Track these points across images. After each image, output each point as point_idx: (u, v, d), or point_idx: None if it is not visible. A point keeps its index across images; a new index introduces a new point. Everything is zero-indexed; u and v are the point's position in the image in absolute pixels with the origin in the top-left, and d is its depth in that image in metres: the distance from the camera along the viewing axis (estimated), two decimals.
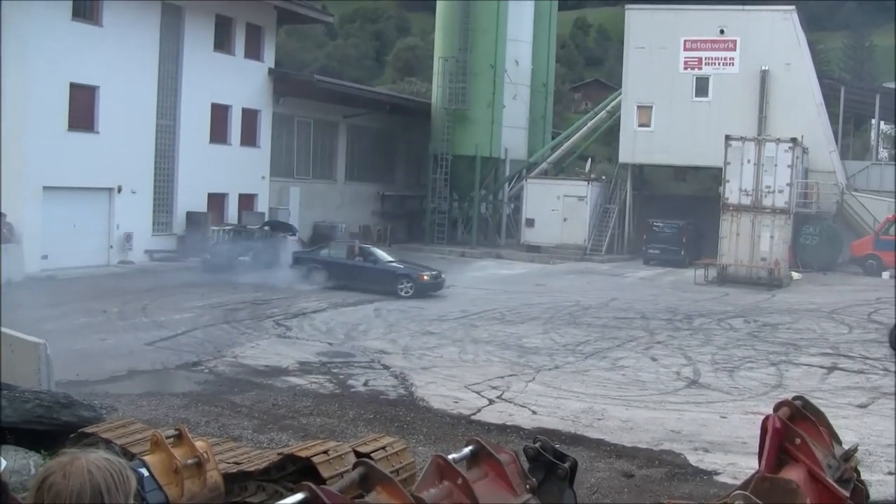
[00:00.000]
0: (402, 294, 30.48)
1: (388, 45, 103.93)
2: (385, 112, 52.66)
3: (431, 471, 6.80)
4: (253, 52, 44.26)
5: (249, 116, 44.00)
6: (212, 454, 7.75)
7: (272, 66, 45.91)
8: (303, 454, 8.08)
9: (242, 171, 42.95)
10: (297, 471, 8.02)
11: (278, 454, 8.46)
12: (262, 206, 44.40)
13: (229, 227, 39.81)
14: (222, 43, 42.47)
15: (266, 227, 39.88)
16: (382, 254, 34.02)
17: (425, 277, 31.34)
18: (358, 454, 8.07)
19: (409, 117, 54.36)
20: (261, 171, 44.46)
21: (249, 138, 44.07)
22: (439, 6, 53.47)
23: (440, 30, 53.31)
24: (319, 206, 48.09)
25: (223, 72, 41.63)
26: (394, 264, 32.86)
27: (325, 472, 7.79)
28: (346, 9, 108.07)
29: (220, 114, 42.23)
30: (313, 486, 5.83)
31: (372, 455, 8.29)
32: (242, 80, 43.16)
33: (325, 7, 71.07)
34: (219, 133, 42.28)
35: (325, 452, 8.13)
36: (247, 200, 43.65)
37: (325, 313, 26.40)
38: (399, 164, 55.67)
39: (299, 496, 5.77)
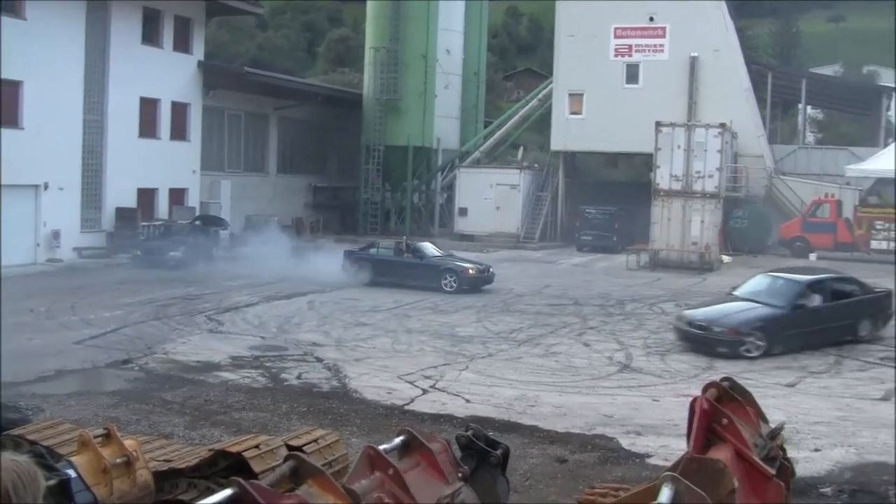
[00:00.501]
0: (447, 289, 29.81)
1: (320, 36, 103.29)
2: (317, 103, 52.43)
3: (362, 462, 6.80)
4: (182, 44, 43.78)
5: (179, 110, 43.53)
6: (141, 453, 7.66)
7: (202, 58, 45.45)
8: (234, 449, 8.01)
9: (172, 165, 42.48)
10: (229, 466, 7.95)
11: (209, 450, 8.37)
12: (193, 200, 43.96)
13: (160, 223, 39.44)
14: (150, 36, 41.93)
15: (197, 222, 39.55)
16: (431, 249, 32.95)
17: (471, 272, 30.49)
18: (290, 448, 8.02)
19: (341, 108, 54.17)
20: (191, 165, 44.02)
21: (179, 132, 43.61)
22: None
23: (371, 20, 53.17)
24: (251, 199, 47.74)
25: (151, 65, 41.10)
26: (439, 259, 31.92)
27: (256, 467, 7.73)
28: (277, 0, 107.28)
29: (149, 108, 41.72)
30: (242, 482, 5.80)
31: (304, 448, 8.25)
32: (171, 74, 42.67)
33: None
34: (148, 127, 41.77)
35: (257, 447, 8.07)
36: (177, 195, 43.20)
37: (257, 307, 26.22)
38: (331, 155, 55.43)
39: (228, 492, 5.74)
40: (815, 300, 21.49)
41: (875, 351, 20.86)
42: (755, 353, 20.02)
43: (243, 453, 7.88)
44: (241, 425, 13.53)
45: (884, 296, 23.25)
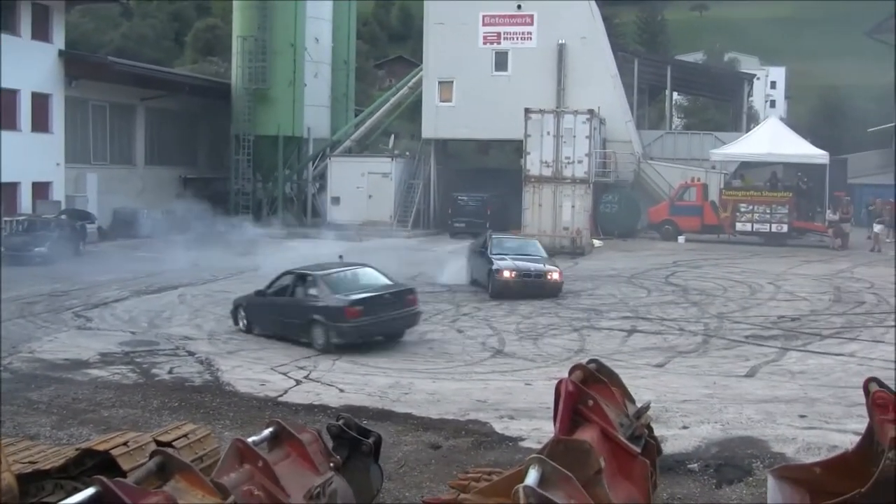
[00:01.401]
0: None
1: (188, 26, 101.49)
2: (185, 94, 51.56)
3: (230, 455, 6.76)
4: (41, 33, 42.51)
5: (40, 101, 42.30)
6: (3, 455, 7.48)
7: (62, 47, 44.25)
8: (101, 447, 7.88)
9: (35, 158, 41.24)
10: (97, 465, 7.80)
11: (76, 449, 8.22)
12: (58, 194, 42.86)
13: (23, 218, 38.28)
14: (6, 24, 40.61)
15: (63, 216, 38.55)
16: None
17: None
18: (160, 443, 7.92)
19: (210, 98, 53.41)
20: (55, 158, 42.86)
21: (41, 124, 42.39)
22: None
23: (238, 8, 52.51)
24: (119, 192, 46.65)
25: (8, 54, 39.64)
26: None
27: (125, 465, 7.61)
28: None
29: (7, 99, 40.39)
30: (104, 480, 5.70)
31: (174, 444, 8.15)
32: (30, 63, 41.38)
33: None
34: (7, 119, 40.42)
35: (125, 444, 7.95)
36: (41, 189, 42.02)
37: (127, 301, 25.69)
38: (201, 146, 54.61)
39: (90, 491, 5.64)
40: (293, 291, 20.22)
41: (740, 330, 21.46)
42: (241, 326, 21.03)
43: (111, 451, 7.75)
44: (110, 423, 13.25)
45: (344, 306, 19.02)
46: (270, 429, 7.23)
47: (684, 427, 13.16)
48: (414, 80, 53.80)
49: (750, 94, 67.01)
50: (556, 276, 26.67)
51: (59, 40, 43.79)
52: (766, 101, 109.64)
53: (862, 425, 6.26)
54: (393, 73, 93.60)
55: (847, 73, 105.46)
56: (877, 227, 40.72)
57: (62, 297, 26.59)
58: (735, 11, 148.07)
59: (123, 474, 7.19)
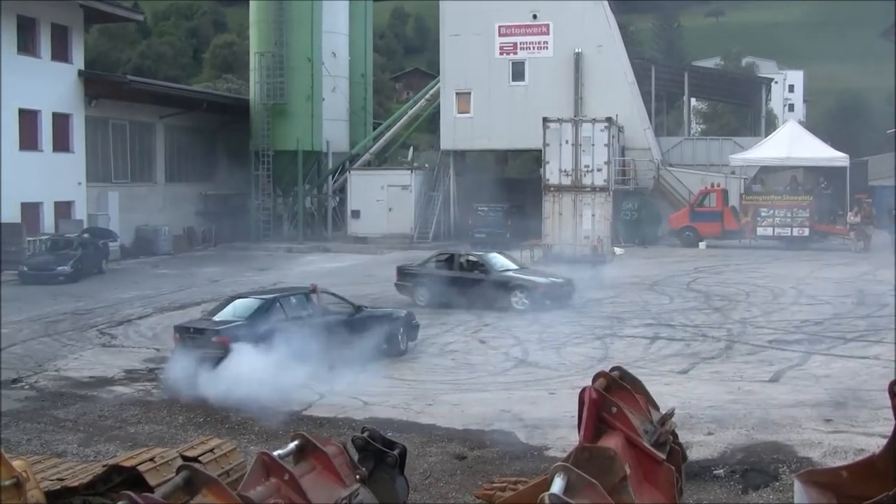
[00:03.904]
0: (517, 307, 25.68)
1: (205, 43, 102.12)
2: (203, 110, 51.79)
3: (257, 469, 6.78)
4: (60, 53, 42.80)
5: (61, 121, 42.56)
6: (32, 473, 7.52)
7: (82, 67, 44.52)
8: (128, 464, 7.92)
9: (57, 177, 41.50)
10: (124, 481, 7.85)
11: (103, 466, 8.26)
12: (80, 213, 43.05)
13: (46, 237, 38.53)
14: (26, 45, 40.92)
15: (85, 235, 38.76)
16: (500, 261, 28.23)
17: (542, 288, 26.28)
18: (186, 459, 7.96)
19: (229, 114, 53.63)
20: (76, 177, 43.08)
21: (62, 143, 42.64)
22: (253, 1, 52.87)
23: (255, 24, 52.71)
24: (140, 209, 46.92)
25: (29, 75, 40.08)
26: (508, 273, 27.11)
27: (152, 480, 7.66)
28: (159, 6, 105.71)
29: (28, 119, 40.69)
30: (132, 495, 5.73)
31: (200, 458, 8.19)
32: (51, 84, 41.67)
33: (136, 5, 69.45)
34: (29, 139, 40.73)
35: (152, 460, 7.99)
36: (63, 208, 42.25)
37: (150, 318, 25.79)
38: (220, 162, 54.78)
39: None
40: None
41: (763, 335, 21.40)
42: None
43: (138, 467, 7.79)
44: (136, 439, 13.32)
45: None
46: (295, 442, 7.24)
47: (709, 433, 13.13)
48: (431, 91, 53.93)
49: (768, 99, 66.83)
50: None
51: (78, 60, 44.08)
52: (785, 105, 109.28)
53: (888, 428, 6.22)
54: (410, 86, 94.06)
55: (865, 75, 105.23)
56: None
57: (86, 315, 26.73)
58: (751, 16, 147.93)
59: (151, 490, 7.23)
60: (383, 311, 21.41)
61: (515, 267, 28.04)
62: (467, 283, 26.57)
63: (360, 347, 18.96)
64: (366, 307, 21.30)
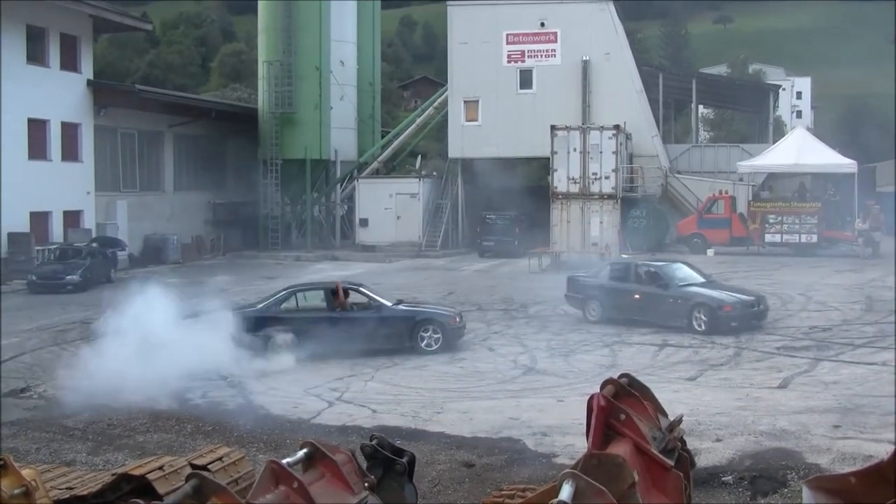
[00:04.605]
0: (698, 328, 22.78)
1: (214, 51, 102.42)
2: (212, 119, 51.91)
3: (266, 477, 6.77)
4: (69, 63, 42.96)
5: (69, 130, 42.69)
6: (41, 482, 7.53)
7: (91, 76, 44.71)
8: (137, 472, 7.93)
9: (65, 187, 41.63)
10: (133, 490, 7.86)
11: (112, 475, 8.28)
12: (89, 222, 43.13)
13: (55, 246, 38.63)
14: (35, 55, 41.06)
15: (94, 244, 38.85)
16: (683, 272, 25.14)
17: (728, 308, 23.00)
18: (194, 467, 7.97)
19: (237, 123, 53.73)
20: (85, 187, 43.21)
21: (71, 153, 42.77)
22: (261, 8, 53.00)
23: (263, 33, 52.84)
24: (149, 218, 47.02)
25: (38, 85, 40.23)
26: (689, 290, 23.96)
27: (161, 489, 7.66)
28: (168, 14, 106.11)
29: (37, 129, 40.80)
30: (141, 503, 5.77)
31: (209, 467, 8.19)
32: (60, 93, 41.81)
33: (144, 14, 69.67)
34: (38, 149, 40.84)
35: (161, 468, 8.00)
36: (72, 217, 42.36)
37: None
38: (229, 171, 54.91)
39: None
40: None
41: (772, 341, 21.38)
42: None
43: (147, 475, 7.80)
44: (145, 448, 13.36)
45: None
46: (304, 450, 7.24)
47: (718, 440, 13.13)
48: (439, 100, 53.98)
49: (776, 105, 66.81)
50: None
51: (87, 70, 44.24)
52: (793, 112, 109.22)
53: None
54: (418, 94, 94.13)
55: (872, 81, 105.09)
56: None
57: (94, 324, 26.73)
58: (759, 23, 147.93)
59: (160, 498, 7.24)
60: (409, 311, 22.11)
61: (701, 280, 24.76)
62: (644, 297, 24.15)
63: (368, 342, 20.40)
64: (397, 305, 22.20)
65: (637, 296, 24.27)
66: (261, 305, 22.22)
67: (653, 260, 27.82)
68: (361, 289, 22.40)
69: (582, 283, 25.93)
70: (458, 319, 22.05)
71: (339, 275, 37.45)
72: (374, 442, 8.46)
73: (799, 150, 44.03)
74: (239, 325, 20.02)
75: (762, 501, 10.82)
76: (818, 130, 73.31)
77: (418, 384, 17.78)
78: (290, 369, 19.46)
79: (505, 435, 13.86)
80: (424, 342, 21.23)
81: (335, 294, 21.60)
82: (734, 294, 24.08)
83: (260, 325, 20.78)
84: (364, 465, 7.95)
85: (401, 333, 21.27)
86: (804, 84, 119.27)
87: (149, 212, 47.35)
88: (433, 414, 15.30)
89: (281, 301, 22.01)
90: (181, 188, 51.13)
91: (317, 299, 22.21)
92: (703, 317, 22.71)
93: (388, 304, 22.00)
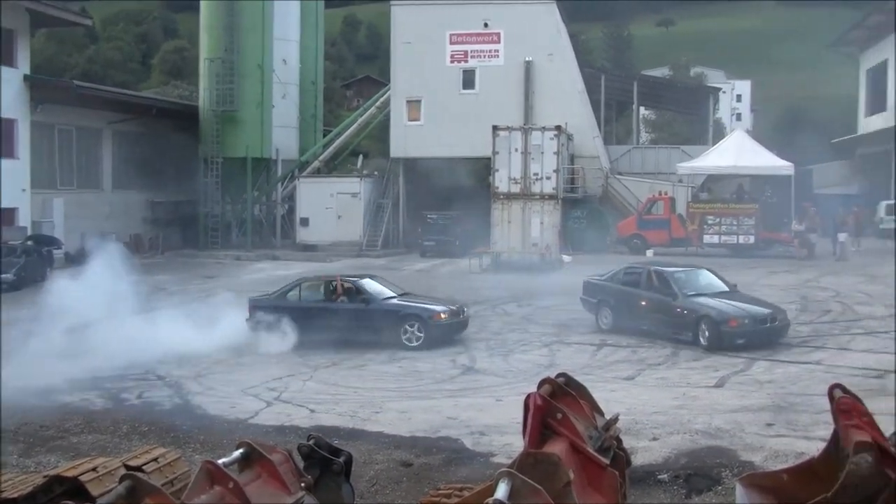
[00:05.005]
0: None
1: (155, 48, 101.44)
2: (152, 117, 51.36)
3: (201, 477, 6.73)
4: (5, 57, 42.15)
5: (5, 126, 41.90)
6: None
7: (28, 71, 43.97)
8: (70, 474, 7.83)
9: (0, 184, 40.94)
10: (66, 492, 7.76)
11: (44, 476, 8.17)
12: (25, 219, 42.49)
13: None
14: None
15: (29, 242, 38.28)
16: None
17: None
18: (129, 468, 7.88)
19: (178, 121, 53.23)
20: (21, 184, 42.51)
21: (6, 149, 41.99)
22: (203, 7, 52.57)
23: (205, 31, 52.41)
24: (86, 216, 46.38)
25: None
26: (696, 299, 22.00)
27: (94, 490, 7.58)
28: (108, 10, 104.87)
29: None
30: None
31: (144, 468, 8.12)
32: None
33: (84, 9, 68.75)
34: None
35: (94, 470, 7.91)
36: (7, 215, 41.61)
37: (95, 327, 25.44)
38: (169, 169, 54.28)
39: None
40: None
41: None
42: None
43: (79, 477, 7.71)
44: (79, 449, 13.18)
45: None
46: (240, 450, 7.20)
47: (654, 438, 13.24)
48: (382, 99, 53.89)
49: (716, 108, 67.55)
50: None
51: (23, 65, 43.54)
52: (732, 115, 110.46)
53: (828, 431, 6.34)
54: (361, 93, 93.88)
55: (811, 85, 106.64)
56: (841, 237, 41.02)
57: (28, 323, 26.32)
58: (701, 26, 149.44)
59: (92, 500, 7.17)
60: (395, 306, 22.34)
61: (720, 290, 22.91)
62: (651, 305, 22.53)
63: (356, 334, 21.65)
64: (389, 299, 22.61)
65: (644, 303, 22.65)
66: (273, 295, 23.75)
67: (673, 265, 25.53)
68: (360, 281, 23.38)
69: (595, 286, 24.51)
70: (443, 315, 22.01)
71: (281, 275, 37.29)
72: (311, 442, 8.43)
73: (738, 152, 44.52)
74: (252, 312, 22.72)
75: (697, 499, 10.93)
76: (757, 133, 74.22)
77: (357, 384, 17.75)
78: (286, 351, 21.11)
79: (443, 434, 13.88)
80: (406, 337, 21.64)
81: (335, 286, 22.72)
82: (746, 307, 21.65)
83: (268, 312, 22.42)
84: (301, 465, 7.93)
85: (386, 327, 21.79)
86: (744, 87, 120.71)
87: (86, 210, 46.69)
88: (371, 413, 15.28)
89: (287, 291, 23.48)
90: (120, 186, 50.49)
91: (319, 290, 23.36)
92: (706, 330, 20.87)
93: (388, 295, 22.86)
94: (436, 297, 24.59)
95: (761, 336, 20.74)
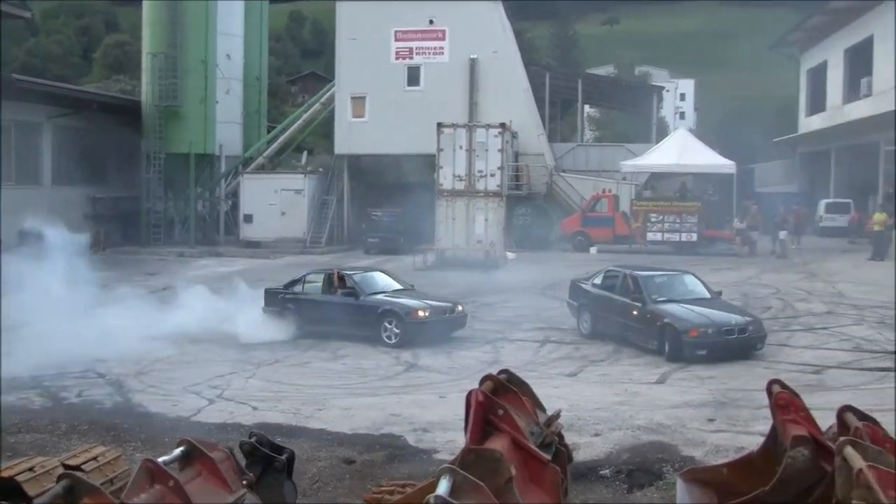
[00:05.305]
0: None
1: (96, 42, 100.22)
2: (94, 111, 50.67)
3: (141, 476, 6.67)
4: None
5: None
6: None
7: None
8: (5, 474, 7.70)
9: None
10: (2, 492, 7.64)
11: None
12: None
13: None
14: None
15: None
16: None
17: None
18: (68, 468, 7.78)
19: (120, 116, 52.50)
20: None
21: None
22: (146, 1, 51.99)
23: (148, 25, 51.80)
24: (25, 212, 45.56)
25: None
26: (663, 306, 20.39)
27: (31, 490, 7.46)
28: (48, 3, 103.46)
29: None
30: None
31: (83, 467, 8.01)
32: None
33: (23, 2, 67.69)
34: None
35: (31, 469, 7.79)
36: None
37: (34, 324, 25.11)
38: (111, 164, 53.62)
39: None
40: None
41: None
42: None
43: (16, 477, 7.59)
44: (16, 449, 12.95)
45: None
46: (181, 448, 7.14)
47: (596, 434, 13.32)
48: (327, 95, 53.74)
49: (660, 107, 68.18)
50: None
51: None
52: (676, 113, 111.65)
53: (767, 426, 6.43)
54: (306, 89, 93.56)
55: (753, 85, 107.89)
56: (782, 234, 41.58)
57: None
58: (645, 25, 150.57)
59: (29, 500, 7.07)
60: (376, 301, 22.22)
61: (692, 297, 21.15)
62: (620, 310, 21.19)
63: (345, 327, 22.11)
64: (370, 294, 22.63)
65: (616, 308, 21.28)
66: (283, 285, 24.46)
67: (659, 269, 24.14)
68: (353, 275, 23.54)
69: (578, 289, 23.34)
70: (421, 313, 21.68)
71: (224, 272, 37.07)
72: (253, 439, 8.38)
73: (681, 150, 44.96)
74: (265, 300, 24.00)
75: (638, 494, 11.02)
76: (700, 132, 75.01)
77: (300, 381, 17.68)
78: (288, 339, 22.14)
79: (386, 431, 13.86)
80: (385, 334, 21.59)
81: (333, 279, 23.30)
82: (713, 315, 19.88)
83: (275, 301, 23.73)
84: (243, 462, 7.88)
85: (368, 322, 21.86)
86: (688, 86, 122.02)
87: (25, 206, 45.89)
88: (314, 411, 15.22)
89: (295, 282, 24.21)
90: (60, 182, 49.79)
91: (321, 282, 23.76)
92: (666, 340, 19.47)
93: (377, 290, 23.02)
94: (433, 295, 24.41)
95: (727, 348, 18.99)
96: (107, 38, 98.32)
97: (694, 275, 22.49)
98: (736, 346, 19.12)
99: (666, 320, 19.47)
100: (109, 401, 16.38)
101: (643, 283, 20.92)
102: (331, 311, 22.30)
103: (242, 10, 53.26)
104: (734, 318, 19.85)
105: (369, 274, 24.45)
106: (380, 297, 22.60)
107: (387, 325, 21.62)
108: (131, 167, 51.39)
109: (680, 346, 19.02)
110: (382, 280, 23.99)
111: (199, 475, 7.01)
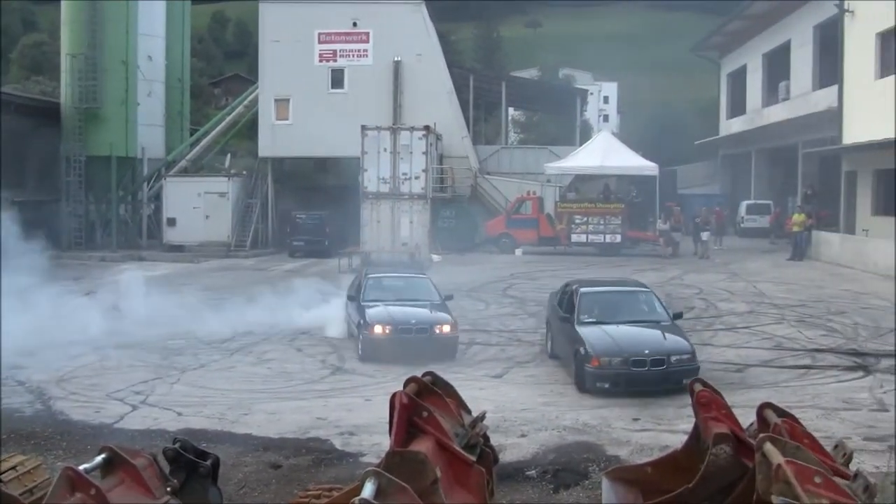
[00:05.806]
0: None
1: (13, 42, 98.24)
2: (11, 113, 49.71)
3: (61, 484, 6.56)
4: None
5: None
6: None
7: None
8: None
9: None
10: None
11: None
12: None
13: None
14: None
15: None
16: None
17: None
18: None
19: (38, 118, 51.59)
20: None
21: None
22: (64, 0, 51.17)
23: (67, 25, 50.98)
24: None
25: None
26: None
27: None
28: None
29: None
30: None
31: (1, 477, 7.87)
32: None
33: None
34: None
35: None
36: None
37: None
38: (30, 168, 52.69)
39: None
40: None
41: None
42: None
43: None
44: None
45: None
46: (102, 455, 7.03)
47: (523, 435, 13.40)
48: (250, 97, 53.32)
49: (583, 109, 68.70)
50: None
51: None
52: (600, 116, 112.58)
53: (690, 424, 6.52)
54: (229, 91, 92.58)
55: (675, 88, 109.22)
56: (704, 235, 42.19)
57: None
58: (569, 28, 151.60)
59: None
60: (360, 310, 20.68)
61: (644, 317, 18.55)
62: (561, 331, 18.89)
63: None
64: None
65: (560, 328, 18.97)
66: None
67: (610, 282, 23.38)
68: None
69: (549, 304, 21.09)
70: (378, 330, 19.42)
71: (146, 276, 36.53)
72: (176, 445, 8.27)
73: (604, 152, 45.41)
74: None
75: (564, 494, 11.10)
76: (623, 134, 75.73)
77: (225, 386, 17.50)
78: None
79: (312, 435, 13.81)
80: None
81: None
82: (626, 342, 16.97)
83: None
84: (167, 469, 7.78)
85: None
86: (611, 89, 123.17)
87: None
88: (240, 416, 15.10)
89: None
90: None
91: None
92: (575, 367, 17.13)
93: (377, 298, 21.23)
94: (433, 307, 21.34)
95: (634, 383, 16.26)
96: (24, 38, 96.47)
97: (652, 292, 19.74)
98: (650, 380, 16.23)
99: (577, 346, 17.04)
100: (30, 409, 16.07)
101: (579, 300, 18.31)
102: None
103: (164, 10, 52.62)
104: (652, 348, 16.69)
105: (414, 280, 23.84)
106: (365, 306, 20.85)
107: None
108: (51, 170, 50.51)
109: (583, 377, 16.61)
110: (426, 287, 22.58)
111: (122, 482, 6.91)
